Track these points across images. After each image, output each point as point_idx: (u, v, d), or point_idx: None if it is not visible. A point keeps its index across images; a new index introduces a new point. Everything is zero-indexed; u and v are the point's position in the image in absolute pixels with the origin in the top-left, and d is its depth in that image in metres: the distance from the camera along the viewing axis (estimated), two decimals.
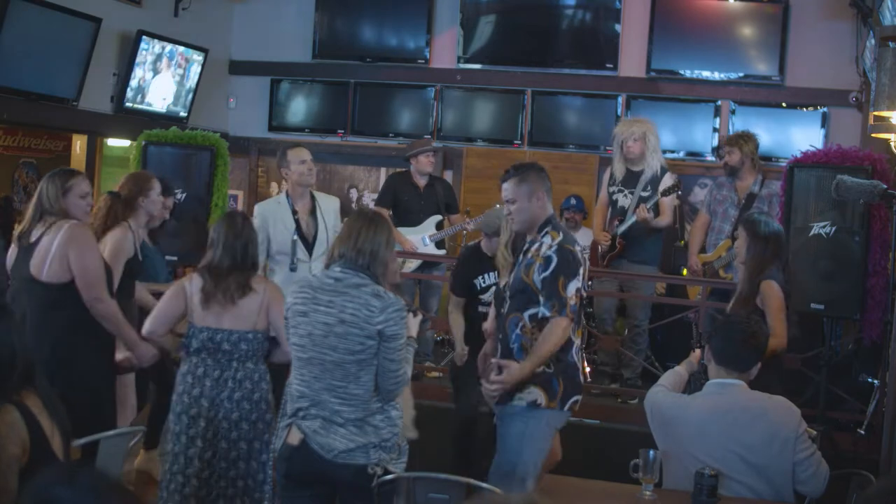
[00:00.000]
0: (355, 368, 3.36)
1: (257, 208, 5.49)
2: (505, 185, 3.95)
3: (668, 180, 6.21)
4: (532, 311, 3.82)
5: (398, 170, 7.45)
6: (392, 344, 3.36)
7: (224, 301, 3.91)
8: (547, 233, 3.87)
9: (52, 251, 4.05)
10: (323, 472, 3.37)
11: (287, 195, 5.42)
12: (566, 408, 3.85)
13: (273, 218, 5.32)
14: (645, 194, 6.16)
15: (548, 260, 3.79)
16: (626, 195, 6.24)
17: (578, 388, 3.91)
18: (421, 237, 6.74)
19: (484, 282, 5.09)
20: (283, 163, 5.40)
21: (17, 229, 4.25)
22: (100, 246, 4.49)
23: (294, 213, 5.34)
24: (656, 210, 6.13)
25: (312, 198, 5.45)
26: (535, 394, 3.81)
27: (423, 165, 6.72)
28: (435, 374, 6.50)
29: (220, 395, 3.89)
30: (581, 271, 3.82)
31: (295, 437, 3.40)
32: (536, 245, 3.88)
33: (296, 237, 5.27)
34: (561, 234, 3.85)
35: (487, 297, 5.02)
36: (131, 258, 4.68)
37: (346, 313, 3.35)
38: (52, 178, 4.18)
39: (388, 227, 3.54)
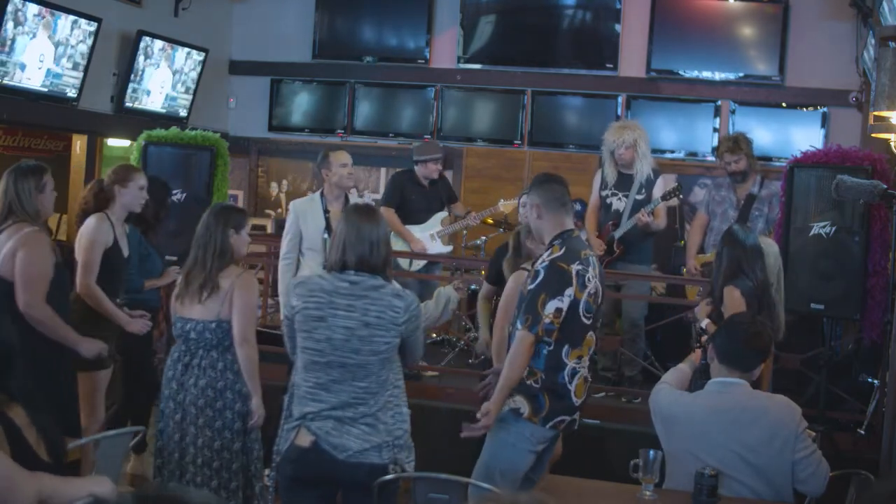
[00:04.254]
0: (377, 367, 3.41)
1: (292, 205, 5.74)
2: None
3: (662, 184, 6.21)
4: (514, 327, 3.86)
5: (399, 169, 7.46)
6: (417, 333, 3.52)
7: (193, 296, 4.04)
8: (552, 246, 3.86)
9: (5, 249, 4.10)
10: (334, 473, 3.37)
11: (322, 195, 5.65)
12: (549, 425, 3.84)
13: (305, 214, 5.56)
14: (639, 197, 6.16)
15: (536, 274, 3.78)
16: (619, 198, 6.23)
17: (568, 409, 3.87)
18: (428, 234, 6.77)
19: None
20: (324, 164, 5.65)
21: None
22: (77, 234, 4.62)
23: (326, 211, 5.55)
24: (651, 214, 6.14)
25: (347, 201, 5.63)
26: (520, 402, 3.83)
27: (430, 172, 6.76)
28: (433, 373, 6.50)
29: (188, 381, 4.03)
30: (569, 291, 3.74)
31: (305, 439, 3.39)
32: (539, 258, 3.90)
33: (326, 235, 5.45)
34: (562, 251, 3.79)
35: None
36: (109, 248, 4.67)
37: (370, 316, 3.37)
38: (24, 175, 4.18)
39: (382, 216, 3.62)
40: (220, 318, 4.00)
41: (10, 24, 6.63)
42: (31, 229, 4.13)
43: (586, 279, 3.81)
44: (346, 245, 3.44)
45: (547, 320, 3.71)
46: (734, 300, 4.37)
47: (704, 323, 4.50)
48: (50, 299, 4.15)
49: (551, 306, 3.72)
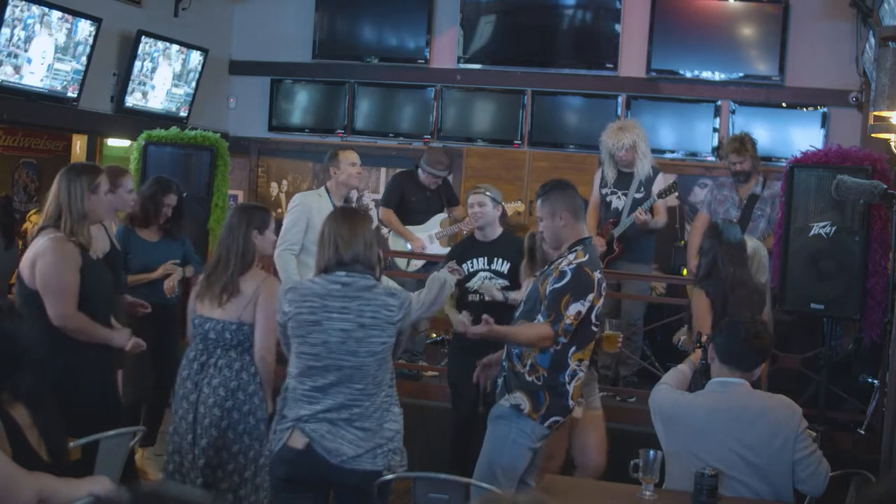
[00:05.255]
0: (374, 369, 3.40)
1: (299, 197, 5.66)
2: (536, 204, 4.06)
3: (661, 181, 6.23)
4: (536, 320, 3.86)
5: (400, 169, 7.48)
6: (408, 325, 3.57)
7: (214, 298, 3.97)
8: (575, 251, 3.90)
9: (27, 255, 4.00)
10: (327, 477, 3.36)
11: (328, 191, 5.58)
12: (546, 424, 3.89)
13: (314, 208, 5.45)
14: (638, 196, 6.17)
15: (562, 274, 3.84)
16: (619, 197, 6.25)
17: (564, 410, 3.93)
18: (427, 236, 6.77)
19: (472, 266, 5.15)
20: (333, 162, 5.61)
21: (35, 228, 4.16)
22: None
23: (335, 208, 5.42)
24: (651, 211, 6.15)
25: (346, 201, 5.64)
26: (520, 399, 3.88)
27: (428, 182, 6.77)
28: (433, 373, 6.50)
29: (202, 379, 3.97)
30: (591, 297, 3.83)
31: (298, 441, 3.38)
32: (560, 260, 3.92)
33: None
34: (586, 256, 3.88)
35: (473, 283, 5.12)
36: (109, 252, 4.63)
37: (365, 317, 3.37)
38: (77, 175, 4.03)
39: (369, 216, 3.65)
40: (241, 320, 3.94)
41: (10, 24, 6.63)
42: (53, 237, 3.96)
43: (602, 288, 3.91)
44: (339, 243, 3.42)
45: (568, 321, 3.77)
46: (699, 304, 4.46)
47: (680, 340, 4.58)
48: (86, 304, 4.01)
49: (573, 308, 3.78)
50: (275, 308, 3.90)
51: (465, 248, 5.29)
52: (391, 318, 3.40)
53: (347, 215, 3.55)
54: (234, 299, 3.93)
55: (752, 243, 4.82)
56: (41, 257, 3.93)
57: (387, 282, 4.80)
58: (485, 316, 3.81)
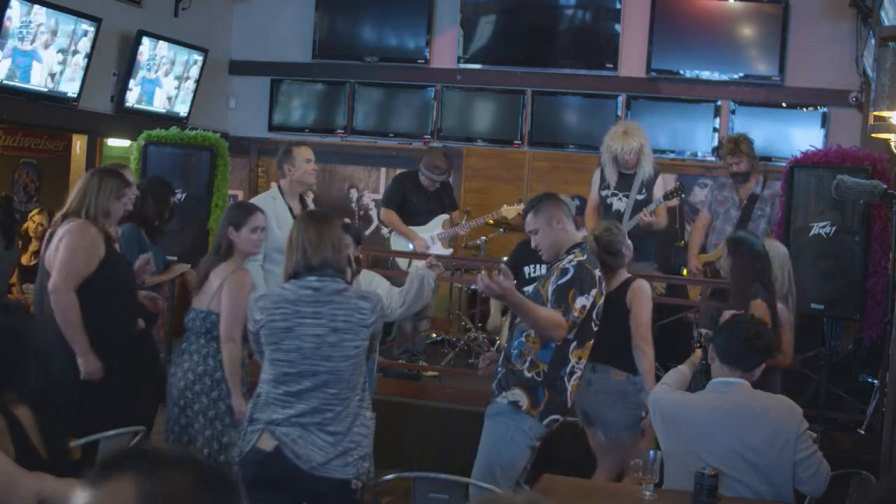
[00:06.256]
0: (349, 373, 3.38)
1: (253, 203, 5.40)
2: (527, 220, 4.06)
3: (661, 182, 6.22)
4: None
5: (400, 170, 7.48)
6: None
7: (197, 287, 4.26)
8: (573, 252, 3.94)
9: (53, 241, 4.13)
10: (295, 482, 3.33)
11: (281, 192, 5.38)
12: (545, 422, 3.89)
13: (269, 212, 5.16)
14: (640, 197, 6.17)
15: (564, 271, 3.86)
16: (620, 199, 6.24)
17: (562, 408, 3.94)
18: (428, 236, 6.77)
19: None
20: (287, 160, 5.38)
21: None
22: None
23: (290, 210, 5.29)
24: (653, 213, 6.16)
25: (302, 200, 5.45)
26: (518, 395, 3.88)
27: (427, 185, 6.76)
28: (433, 373, 6.50)
29: (180, 365, 4.19)
30: (593, 292, 3.86)
31: (268, 443, 3.34)
32: (558, 262, 3.95)
33: None
34: (585, 256, 3.93)
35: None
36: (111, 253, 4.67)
37: (337, 321, 3.35)
38: (110, 176, 4.26)
39: (336, 219, 3.62)
40: (209, 309, 4.15)
41: (10, 24, 6.63)
42: (79, 221, 4.11)
43: (603, 286, 3.91)
44: (307, 248, 3.39)
45: (575, 314, 3.80)
46: (761, 315, 4.37)
47: (705, 331, 4.53)
48: (112, 297, 4.15)
49: (579, 302, 3.81)
50: (238, 298, 4.02)
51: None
52: (364, 322, 3.38)
53: (314, 219, 3.52)
54: (203, 288, 4.17)
55: (771, 248, 4.80)
56: (65, 237, 4.07)
57: (379, 281, 4.78)
58: (502, 266, 3.82)
